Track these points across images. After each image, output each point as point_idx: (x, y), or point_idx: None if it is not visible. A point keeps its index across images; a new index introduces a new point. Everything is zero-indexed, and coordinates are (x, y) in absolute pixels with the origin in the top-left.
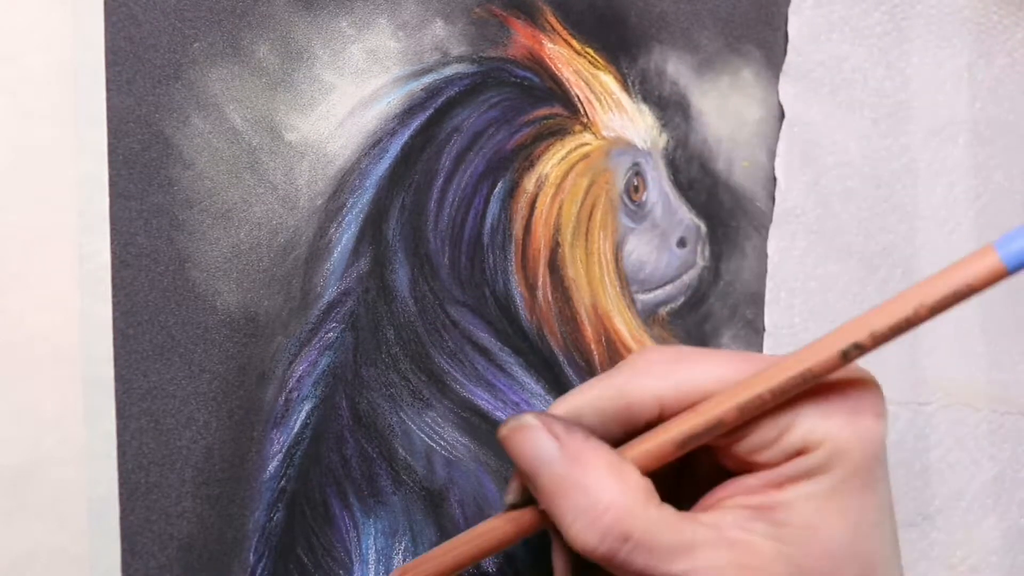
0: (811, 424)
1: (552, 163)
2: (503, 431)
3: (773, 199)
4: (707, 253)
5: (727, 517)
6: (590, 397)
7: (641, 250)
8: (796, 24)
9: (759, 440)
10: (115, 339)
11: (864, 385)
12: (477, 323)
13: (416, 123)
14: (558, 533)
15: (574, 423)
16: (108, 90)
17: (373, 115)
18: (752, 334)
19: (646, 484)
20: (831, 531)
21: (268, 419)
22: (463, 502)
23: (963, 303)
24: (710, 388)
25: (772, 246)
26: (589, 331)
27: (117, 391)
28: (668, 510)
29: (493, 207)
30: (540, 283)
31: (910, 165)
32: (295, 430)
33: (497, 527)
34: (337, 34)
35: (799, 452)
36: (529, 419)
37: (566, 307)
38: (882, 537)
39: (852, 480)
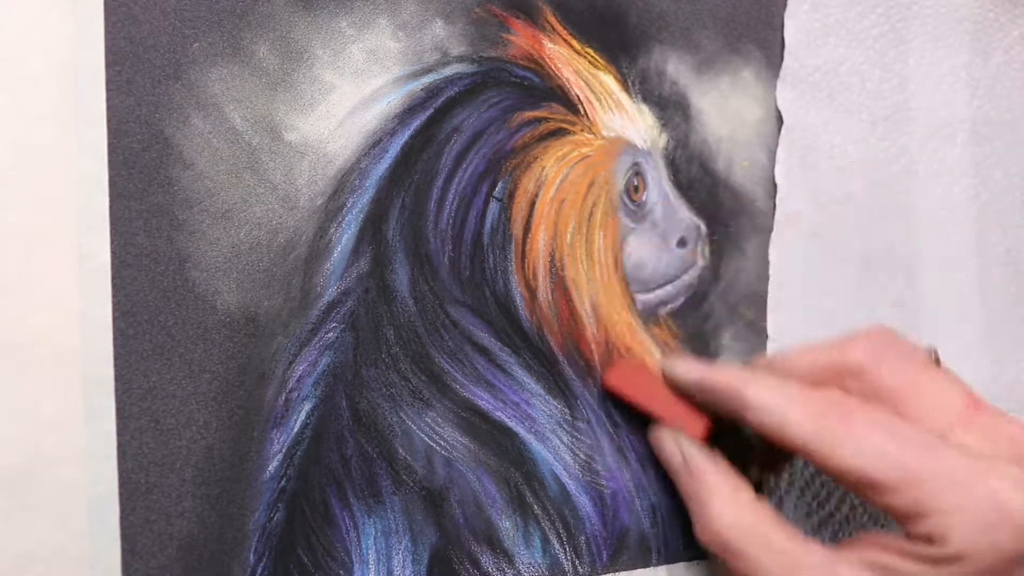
0: (944, 521)
1: (552, 163)
2: (652, 433)
3: (773, 199)
4: (707, 253)
5: (849, 556)
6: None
7: (641, 250)
8: (792, 29)
9: (897, 515)
10: (115, 339)
11: (1022, 481)
12: (477, 323)
13: (416, 123)
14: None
15: (703, 446)
16: (108, 90)
17: (373, 115)
18: (752, 334)
19: (759, 512)
20: None
21: (268, 419)
22: (463, 502)
23: None
24: None
25: (774, 252)
26: (589, 331)
27: (117, 391)
28: (781, 531)
29: (493, 207)
30: (540, 283)
31: (909, 166)
32: (295, 430)
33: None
34: (337, 34)
35: (929, 539)
36: (664, 435)
37: (566, 307)
38: None
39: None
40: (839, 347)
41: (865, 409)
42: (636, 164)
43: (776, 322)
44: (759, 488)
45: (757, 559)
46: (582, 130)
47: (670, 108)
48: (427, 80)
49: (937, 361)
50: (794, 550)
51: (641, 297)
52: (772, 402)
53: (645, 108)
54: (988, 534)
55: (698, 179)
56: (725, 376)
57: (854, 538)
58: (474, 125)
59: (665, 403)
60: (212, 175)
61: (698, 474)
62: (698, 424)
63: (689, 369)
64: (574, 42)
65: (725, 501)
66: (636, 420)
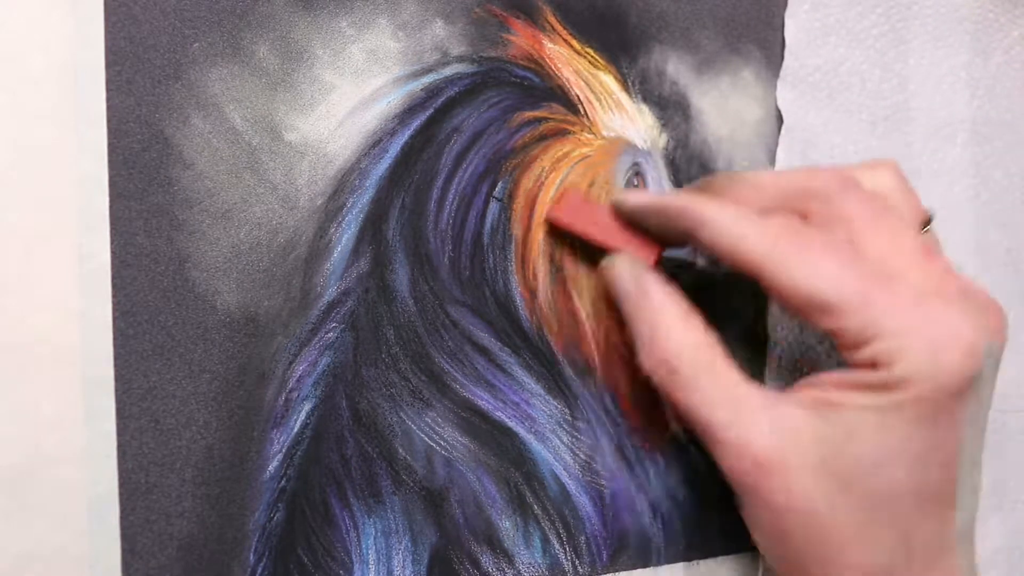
0: (893, 343)
1: (552, 163)
2: (601, 264)
3: None
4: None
5: (789, 398)
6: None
7: None
8: (792, 29)
9: (845, 340)
10: (115, 339)
11: (973, 314)
12: (477, 323)
13: (416, 123)
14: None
15: (651, 272)
16: (108, 90)
17: (373, 115)
18: (753, 334)
19: (710, 339)
20: (866, 444)
21: (268, 419)
22: (463, 502)
23: None
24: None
25: None
26: (589, 331)
27: (117, 391)
28: (727, 366)
29: (493, 207)
30: (540, 283)
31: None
32: (295, 430)
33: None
34: (337, 34)
35: (875, 364)
36: (618, 260)
37: (566, 307)
38: (925, 474)
39: (909, 408)
40: (809, 170)
41: (822, 234)
42: (636, 164)
43: (776, 322)
44: None
45: (703, 387)
46: (582, 130)
47: (670, 108)
48: (427, 80)
49: (928, 222)
50: (740, 384)
51: None
52: (728, 220)
53: (645, 108)
54: (936, 357)
55: (698, 179)
56: (681, 198)
57: (796, 384)
58: (474, 125)
59: (614, 232)
60: (212, 175)
61: (651, 295)
62: (650, 251)
63: (641, 195)
64: (574, 42)
65: (677, 321)
66: (635, 420)
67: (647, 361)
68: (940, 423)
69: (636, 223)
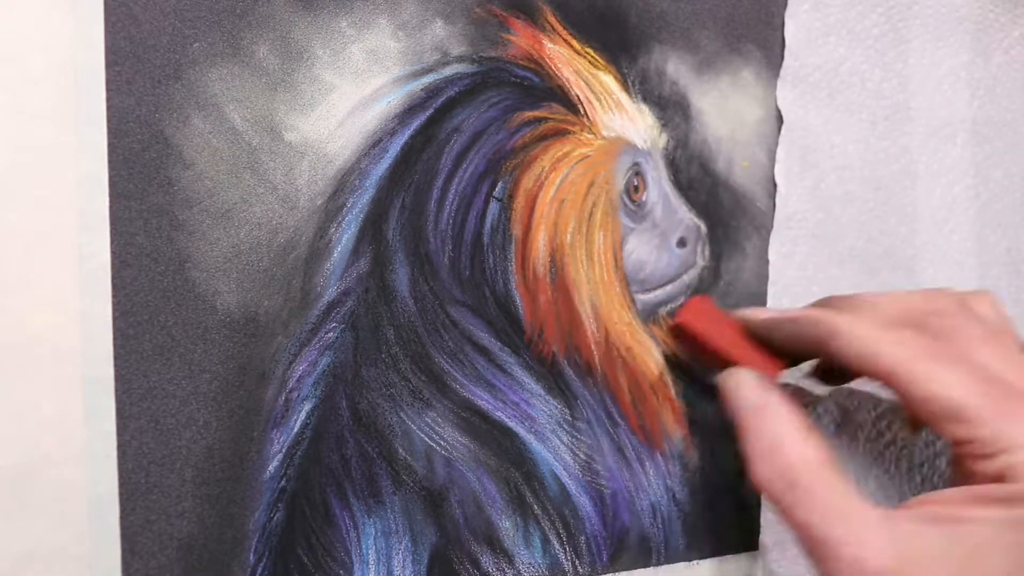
0: (1020, 455)
1: (552, 163)
2: (720, 376)
3: (773, 199)
4: (707, 253)
5: (909, 513)
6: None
7: (641, 250)
8: (793, 28)
9: (974, 450)
10: (115, 339)
11: None
12: (477, 323)
13: (416, 123)
14: None
15: (776, 387)
16: (108, 90)
17: (373, 115)
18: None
19: (830, 456)
20: (996, 560)
21: (268, 419)
22: (463, 502)
23: None
24: None
25: (773, 252)
26: (589, 331)
27: (117, 391)
28: (845, 483)
29: (493, 207)
30: (540, 283)
31: (909, 166)
32: (295, 430)
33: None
34: (337, 34)
35: (1003, 477)
36: (744, 374)
37: (566, 307)
38: None
39: None
40: (926, 292)
41: (950, 346)
42: (636, 164)
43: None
44: None
45: (820, 501)
46: (582, 130)
47: (670, 108)
48: (427, 80)
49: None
50: (857, 501)
51: (641, 297)
52: (863, 330)
53: (645, 108)
54: None
55: (698, 179)
56: (813, 311)
57: (912, 500)
58: (474, 125)
59: (739, 344)
60: (212, 175)
61: (774, 408)
62: (773, 366)
63: (770, 311)
64: (574, 42)
65: (800, 435)
66: (635, 420)
67: (765, 472)
68: None
69: (762, 337)
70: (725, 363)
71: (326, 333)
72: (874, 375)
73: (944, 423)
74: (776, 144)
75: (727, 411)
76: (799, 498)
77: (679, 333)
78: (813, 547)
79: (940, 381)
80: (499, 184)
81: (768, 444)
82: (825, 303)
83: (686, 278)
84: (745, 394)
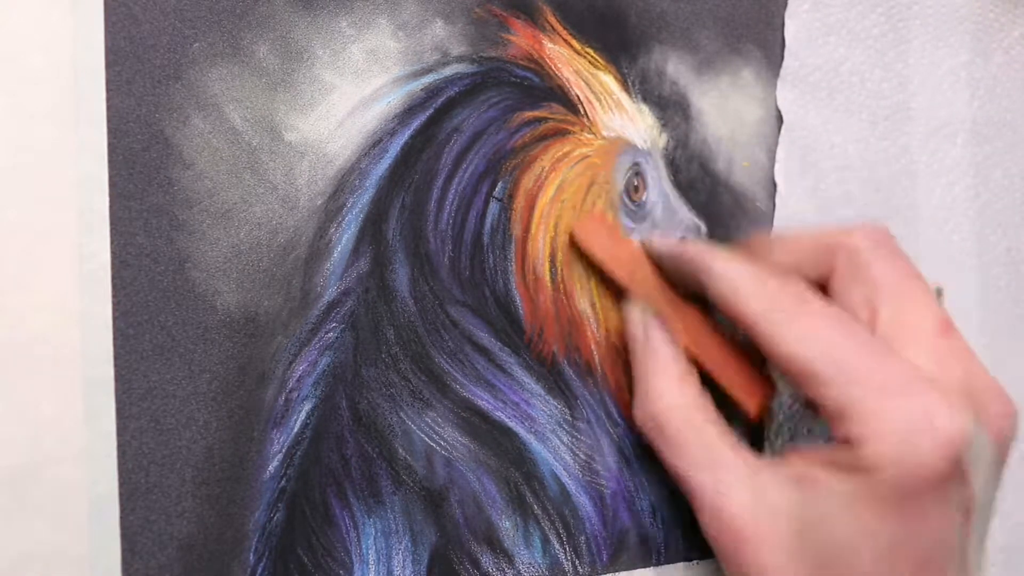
0: (862, 423)
1: (552, 163)
2: (626, 302)
3: (773, 199)
4: None
5: (776, 469)
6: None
7: None
8: (792, 28)
9: (826, 411)
10: (115, 339)
11: (962, 403)
12: (477, 323)
13: (416, 123)
14: None
15: (663, 326)
16: (108, 90)
17: (373, 115)
18: None
19: (703, 402)
20: (837, 527)
21: (268, 419)
22: (463, 502)
23: None
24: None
25: None
26: (589, 331)
27: (117, 391)
28: (718, 430)
29: (493, 207)
30: (540, 283)
31: (909, 167)
32: (295, 430)
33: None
34: (337, 34)
35: (848, 441)
36: (634, 310)
37: (566, 307)
38: (892, 569)
39: (877, 494)
40: (845, 229)
41: (823, 303)
42: (636, 164)
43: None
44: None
45: (686, 447)
46: (582, 130)
47: (670, 108)
48: (427, 80)
49: (938, 295)
50: (725, 449)
51: None
52: (732, 274)
53: (645, 108)
54: (906, 444)
55: (698, 179)
56: (697, 247)
57: (784, 454)
58: (474, 125)
59: (627, 269)
60: (212, 175)
61: (653, 348)
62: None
63: (665, 241)
64: (574, 42)
65: (671, 381)
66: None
67: (637, 412)
68: (908, 515)
69: (658, 267)
70: (618, 287)
71: (326, 333)
72: (737, 320)
73: (797, 380)
74: (776, 144)
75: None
76: (667, 442)
77: (576, 243)
78: (683, 490)
79: (795, 337)
80: (499, 184)
81: (644, 387)
82: (745, 241)
83: None
84: (631, 325)
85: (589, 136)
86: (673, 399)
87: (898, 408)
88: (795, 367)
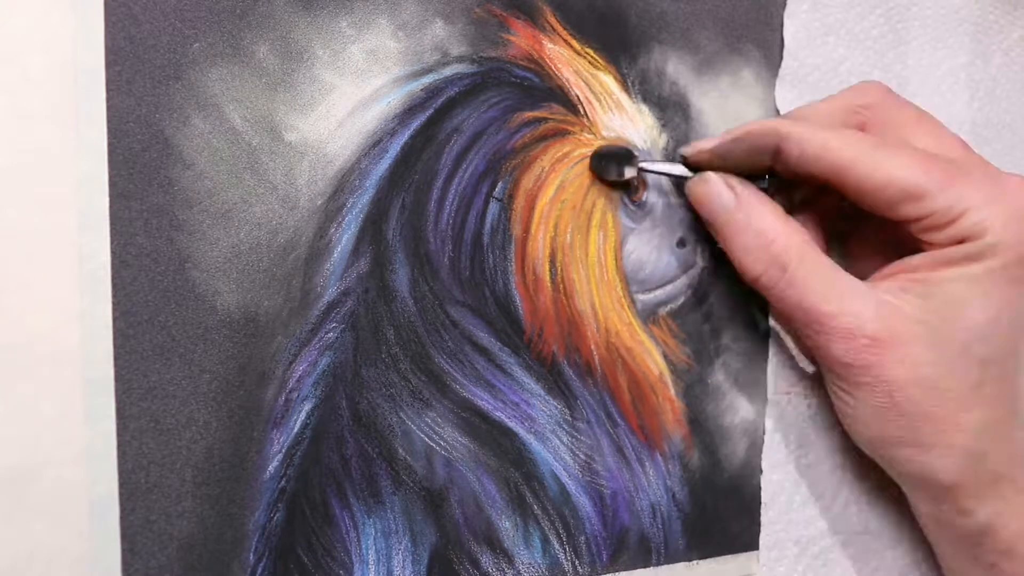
0: (979, 216)
1: (552, 163)
2: (689, 184)
3: None
4: (707, 253)
5: (883, 284)
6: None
7: (641, 250)
8: (792, 28)
9: (932, 223)
10: (115, 339)
11: None
12: (477, 323)
13: (416, 123)
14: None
15: (743, 182)
16: (108, 90)
17: (373, 115)
18: (753, 334)
19: (808, 234)
20: (972, 311)
21: (268, 419)
22: (463, 502)
23: None
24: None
25: None
26: (589, 331)
27: (117, 391)
28: (827, 259)
29: (493, 207)
30: (540, 283)
31: None
32: (295, 430)
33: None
34: (337, 34)
35: (963, 239)
36: (711, 175)
37: (566, 307)
38: (1016, 329)
39: (1003, 272)
40: (852, 89)
41: (891, 132)
42: None
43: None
44: None
45: (809, 280)
46: (582, 130)
47: (670, 108)
48: (427, 80)
49: None
50: (842, 275)
51: (641, 297)
52: (811, 131)
53: (645, 108)
54: (1020, 223)
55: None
56: (762, 124)
57: (876, 274)
58: (474, 125)
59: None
60: (212, 175)
61: (750, 202)
62: None
63: (711, 139)
64: (574, 42)
65: (778, 221)
66: (635, 420)
67: (755, 264)
68: None
69: (715, 166)
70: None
71: (326, 333)
72: (825, 172)
73: (900, 206)
74: None
75: (703, 216)
76: (791, 281)
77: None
78: (808, 324)
79: (889, 166)
80: (499, 184)
81: (753, 236)
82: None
83: (686, 278)
84: (719, 192)
85: (589, 136)
86: (789, 238)
87: (1002, 196)
88: (899, 190)
